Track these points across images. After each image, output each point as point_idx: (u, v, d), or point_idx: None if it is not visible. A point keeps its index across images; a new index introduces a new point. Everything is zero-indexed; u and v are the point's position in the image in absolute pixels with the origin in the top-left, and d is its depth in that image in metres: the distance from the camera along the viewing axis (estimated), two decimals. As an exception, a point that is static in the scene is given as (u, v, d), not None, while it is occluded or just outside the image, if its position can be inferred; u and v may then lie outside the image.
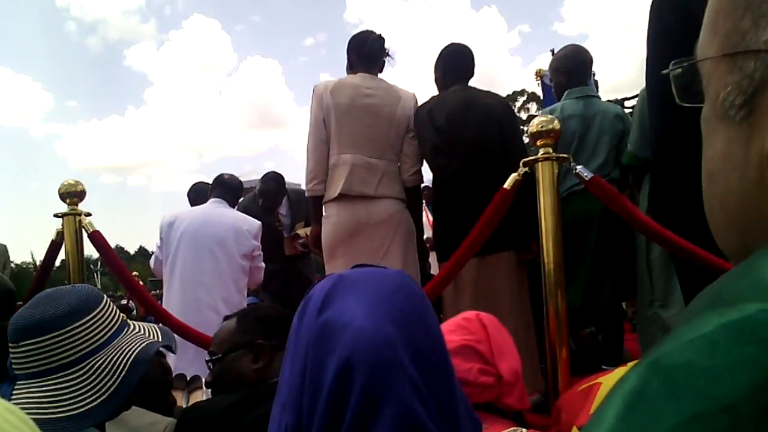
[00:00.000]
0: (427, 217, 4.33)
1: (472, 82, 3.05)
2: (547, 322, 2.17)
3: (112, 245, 2.76)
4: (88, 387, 1.12)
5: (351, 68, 3.05)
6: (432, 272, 4.08)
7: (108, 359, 1.16)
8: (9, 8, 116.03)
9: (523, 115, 37.31)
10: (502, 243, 2.74)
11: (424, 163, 3.02)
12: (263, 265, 3.51)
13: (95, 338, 1.16)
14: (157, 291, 11.26)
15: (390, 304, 0.74)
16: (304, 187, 3.25)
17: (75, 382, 1.12)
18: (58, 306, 1.15)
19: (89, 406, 1.10)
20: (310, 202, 3.07)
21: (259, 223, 3.47)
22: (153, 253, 3.56)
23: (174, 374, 2.18)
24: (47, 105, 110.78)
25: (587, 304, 3.05)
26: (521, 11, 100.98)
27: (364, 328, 0.69)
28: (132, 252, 58.53)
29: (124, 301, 9.21)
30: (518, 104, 40.62)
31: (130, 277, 2.73)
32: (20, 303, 1.62)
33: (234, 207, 3.54)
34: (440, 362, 0.75)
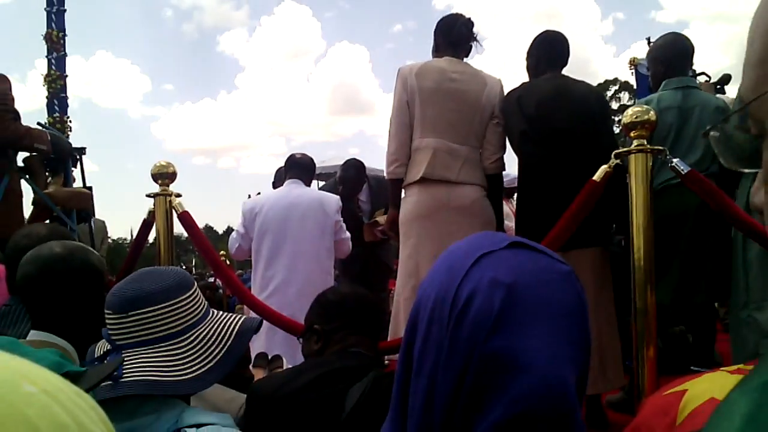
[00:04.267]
0: (509, 207, 4.26)
1: (563, 71, 2.96)
2: (634, 319, 2.09)
3: (202, 224, 2.88)
4: (197, 354, 1.18)
5: (437, 50, 3.01)
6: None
7: (212, 329, 1.23)
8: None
9: (615, 105, 36.09)
10: (587, 239, 2.65)
11: (507, 150, 2.95)
12: (348, 234, 3.49)
13: (196, 311, 1.23)
14: (242, 271, 11.60)
15: (567, 336, 0.67)
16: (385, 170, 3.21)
17: (184, 349, 1.17)
18: (165, 280, 1.21)
19: (200, 371, 1.15)
20: (389, 185, 3.04)
21: (337, 197, 3.49)
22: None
23: (257, 353, 2.24)
24: (145, 88, 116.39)
25: (678, 302, 2.92)
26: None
27: (548, 378, 0.63)
28: (220, 232, 60.50)
29: (211, 280, 9.53)
30: (610, 93, 39.32)
31: (216, 257, 2.82)
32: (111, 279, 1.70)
33: (309, 185, 3.56)
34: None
